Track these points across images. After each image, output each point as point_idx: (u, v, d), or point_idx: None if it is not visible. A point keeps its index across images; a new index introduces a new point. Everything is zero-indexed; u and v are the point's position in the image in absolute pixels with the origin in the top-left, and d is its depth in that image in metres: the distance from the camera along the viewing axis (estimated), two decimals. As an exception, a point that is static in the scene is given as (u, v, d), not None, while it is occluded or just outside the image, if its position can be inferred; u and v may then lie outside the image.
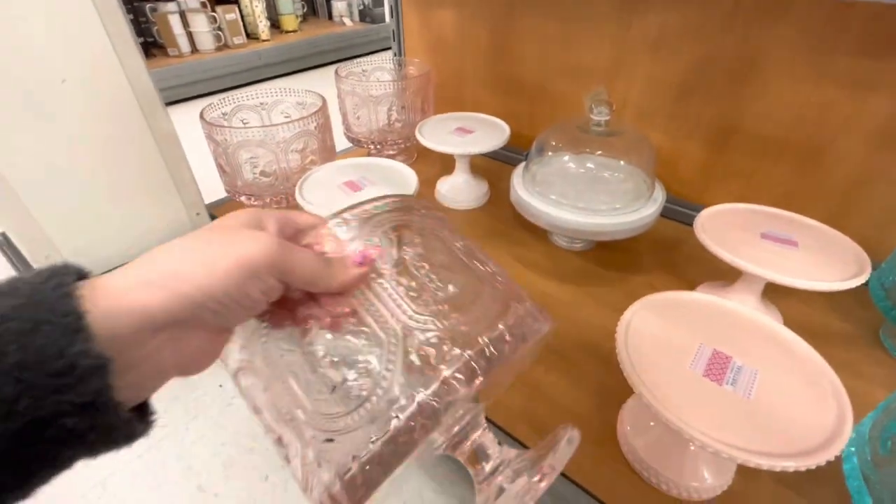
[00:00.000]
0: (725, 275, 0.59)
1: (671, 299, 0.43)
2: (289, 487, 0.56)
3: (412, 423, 0.19)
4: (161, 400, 0.67)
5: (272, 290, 0.20)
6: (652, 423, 0.43)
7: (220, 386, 0.69)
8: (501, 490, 0.25)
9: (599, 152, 0.64)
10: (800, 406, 0.33)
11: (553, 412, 0.48)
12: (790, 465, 0.29)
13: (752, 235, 0.53)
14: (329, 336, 0.22)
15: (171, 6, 1.79)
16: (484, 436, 0.27)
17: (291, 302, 0.22)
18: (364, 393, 0.20)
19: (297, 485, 0.21)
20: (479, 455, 0.27)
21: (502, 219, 0.78)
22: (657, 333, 0.39)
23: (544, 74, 0.86)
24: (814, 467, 0.29)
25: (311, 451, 0.21)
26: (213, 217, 0.75)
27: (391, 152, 0.96)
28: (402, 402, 0.20)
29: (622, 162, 0.64)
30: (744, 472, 0.41)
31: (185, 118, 0.69)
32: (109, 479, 0.58)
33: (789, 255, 0.50)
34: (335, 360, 0.22)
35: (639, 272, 0.67)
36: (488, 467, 0.26)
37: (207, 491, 0.56)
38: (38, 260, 0.56)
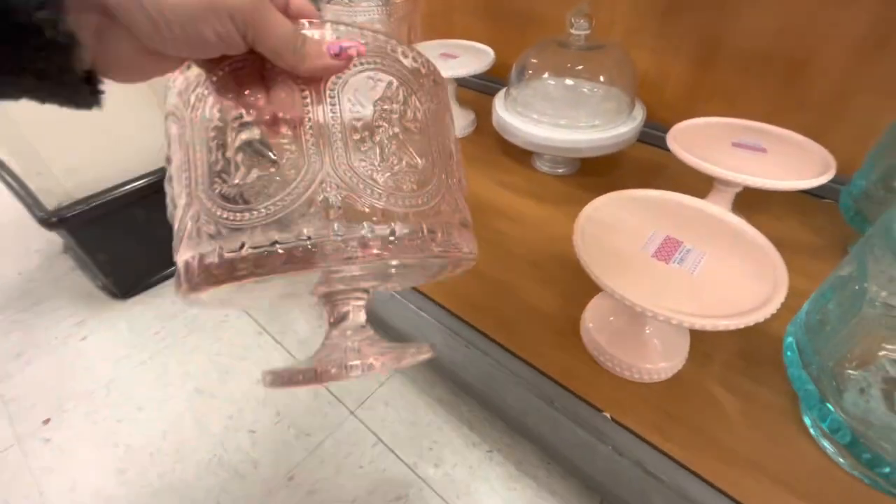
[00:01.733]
0: (702, 191, 0.60)
1: (633, 195, 0.44)
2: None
3: (280, 252, 0.20)
4: (161, 318, 0.71)
5: (229, 40, 0.18)
6: (612, 318, 0.45)
7: (215, 305, 0.72)
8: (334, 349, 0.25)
9: (580, 67, 0.63)
10: (741, 281, 0.35)
11: (520, 310, 0.50)
12: (722, 324, 0.31)
13: (723, 144, 0.53)
14: (257, 132, 0.21)
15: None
16: (356, 312, 0.27)
17: (246, 76, 0.21)
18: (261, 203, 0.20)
19: (174, 234, 0.23)
20: (340, 319, 0.27)
21: (487, 147, 0.79)
22: (614, 224, 0.41)
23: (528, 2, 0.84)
24: (747, 325, 0.32)
25: (194, 221, 0.21)
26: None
27: (379, 85, 0.95)
28: (288, 232, 0.20)
29: (602, 79, 0.63)
30: (694, 357, 0.44)
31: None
32: (113, 383, 0.62)
33: (758, 159, 0.50)
34: (251, 157, 0.21)
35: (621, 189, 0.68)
36: (337, 331, 0.26)
37: (205, 392, 0.61)
38: (30, 177, 0.58)
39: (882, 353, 0.29)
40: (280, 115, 0.20)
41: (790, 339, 0.38)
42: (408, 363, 0.25)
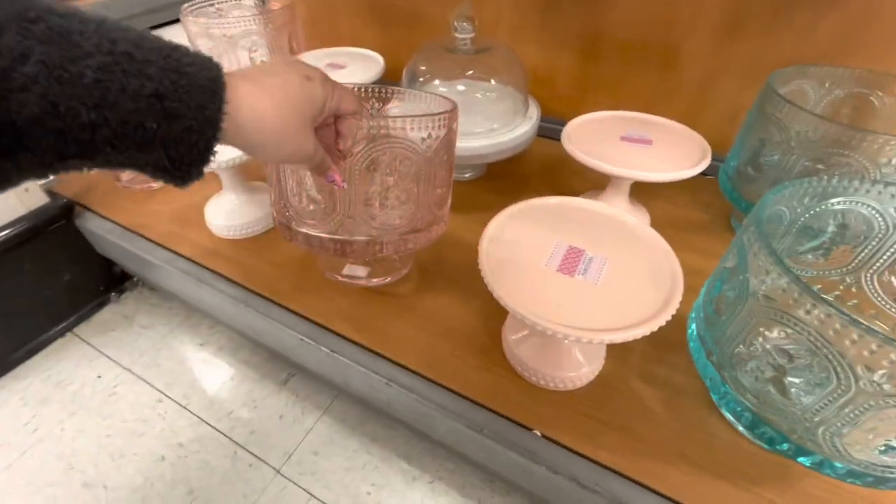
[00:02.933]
0: (601, 183, 0.62)
1: (532, 206, 0.44)
2: (188, 462, 0.53)
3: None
4: (30, 403, 0.60)
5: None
6: (527, 332, 0.44)
7: (99, 377, 0.62)
8: None
9: (470, 72, 0.62)
10: (643, 285, 0.36)
11: (439, 333, 0.48)
12: (618, 337, 0.31)
13: (613, 139, 0.55)
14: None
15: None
16: None
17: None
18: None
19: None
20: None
21: (390, 158, 0.75)
22: (517, 239, 0.40)
23: (413, 2, 0.81)
24: (644, 335, 0.32)
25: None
26: (50, 194, 0.65)
27: (267, 101, 0.88)
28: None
29: (493, 81, 0.63)
30: (612, 356, 0.45)
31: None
32: (-26, 498, 0.51)
33: (645, 152, 0.52)
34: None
35: (526, 193, 0.67)
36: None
37: (95, 485, 0.52)
38: None
39: (766, 342, 0.31)
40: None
41: (692, 327, 0.40)
42: None
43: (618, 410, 0.41)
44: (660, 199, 0.64)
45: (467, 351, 0.47)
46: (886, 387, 0.25)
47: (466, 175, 0.71)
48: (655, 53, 0.67)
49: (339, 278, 0.53)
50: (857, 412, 0.27)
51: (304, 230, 0.43)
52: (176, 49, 0.21)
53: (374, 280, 0.53)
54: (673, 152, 0.52)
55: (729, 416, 0.39)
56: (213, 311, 0.61)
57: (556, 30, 0.72)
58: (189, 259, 0.60)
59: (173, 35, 0.26)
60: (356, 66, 0.73)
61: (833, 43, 0.57)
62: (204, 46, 0.77)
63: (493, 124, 0.61)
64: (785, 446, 0.32)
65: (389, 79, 0.74)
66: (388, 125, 0.37)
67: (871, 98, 0.56)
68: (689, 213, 0.63)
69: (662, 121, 0.58)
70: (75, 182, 0.72)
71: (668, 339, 0.46)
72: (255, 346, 0.66)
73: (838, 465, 0.30)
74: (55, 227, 0.63)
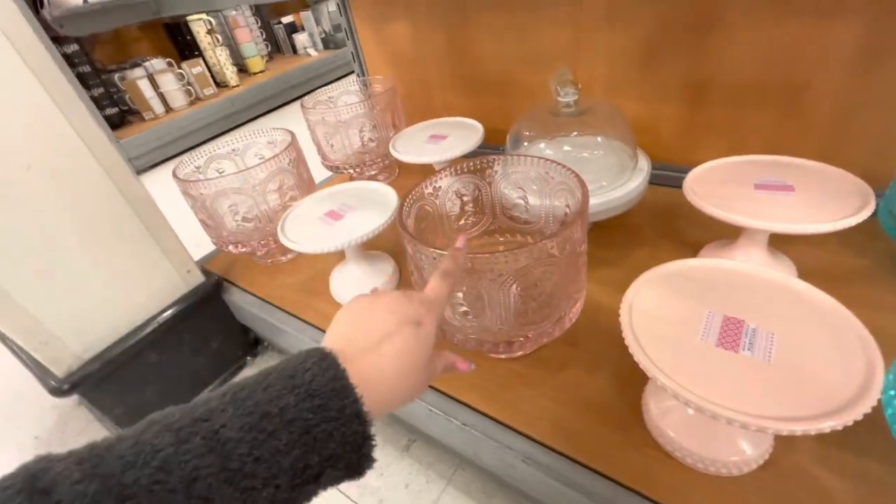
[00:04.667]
0: (727, 232, 0.57)
1: (671, 271, 0.41)
2: (324, 531, 0.55)
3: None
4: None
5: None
6: (675, 402, 0.41)
7: None
8: None
9: (575, 133, 0.62)
10: (825, 361, 0.31)
11: (577, 409, 0.46)
12: (825, 426, 0.27)
13: (745, 188, 0.51)
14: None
15: (139, 71, 1.81)
16: None
17: None
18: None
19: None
20: None
21: (493, 218, 0.77)
22: (662, 309, 0.38)
23: (507, 66, 0.85)
24: (851, 423, 0.28)
25: None
26: (205, 273, 0.75)
27: (372, 172, 0.96)
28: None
29: (599, 138, 0.62)
30: (783, 437, 0.39)
31: (169, 178, 0.70)
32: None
33: (787, 200, 0.48)
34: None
35: (641, 245, 0.65)
36: None
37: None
38: (36, 348, 0.56)
39: None
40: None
41: (893, 405, 0.34)
42: None
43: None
44: (802, 243, 0.57)
45: (606, 425, 0.44)
46: None
47: (572, 230, 0.70)
48: (775, 93, 0.63)
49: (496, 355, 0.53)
50: None
51: (459, 336, 0.46)
52: (292, 376, 0.22)
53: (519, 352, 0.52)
54: (822, 199, 0.47)
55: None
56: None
57: (657, 81, 0.71)
58: (315, 326, 0.65)
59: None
60: (457, 135, 0.78)
61: None
62: (321, 131, 0.87)
63: (601, 181, 0.61)
64: None
65: (489, 143, 0.78)
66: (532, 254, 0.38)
67: None
68: (841, 258, 0.56)
69: (803, 162, 0.53)
70: (223, 259, 0.83)
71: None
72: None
73: None
74: (208, 302, 0.73)
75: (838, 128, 0.61)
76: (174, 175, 0.67)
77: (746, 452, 0.37)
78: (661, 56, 0.69)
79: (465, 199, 0.57)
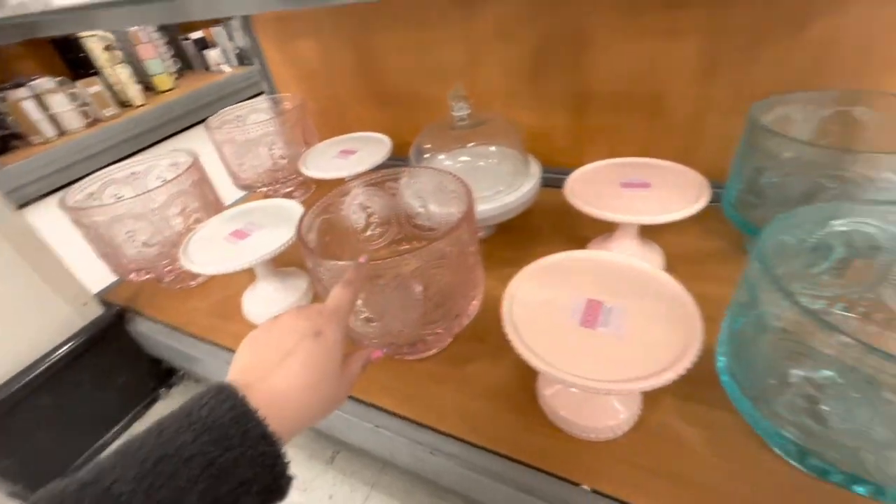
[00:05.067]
0: (610, 227, 0.64)
1: (548, 263, 0.46)
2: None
3: None
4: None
5: None
6: (560, 385, 0.46)
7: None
8: None
9: (471, 144, 0.67)
10: (665, 329, 0.37)
11: (478, 394, 0.49)
12: (647, 385, 0.32)
13: (614, 187, 0.58)
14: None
15: (22, 92, 1.65)
16: None
17: None
18: None
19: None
20: None
21: (407, 227, 0.80)
22: (539, 298, 0.42)
23: (412, 81, 0.89)
24: (682, 373, 0.33)
25: None
26: (105, 304, 0.71)
27: (288, 189, 0.95)
28: None
29: (493, 148, 0.67)
30: (648, 399, 0.45)
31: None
32: None
33: (645, 196, 0.55)
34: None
35: (539, 244, 0.71)
36: None
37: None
38: None
39: (793, 374, 0.32)
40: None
41: (722, 360, 0.40)
42: None
43: (662, 455, 0.41)
44: (670, 233, 0.65)
45: (508, 411, 0.48)
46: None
47: (480, 235, 0.75)
48: (643, 101, 0.72)
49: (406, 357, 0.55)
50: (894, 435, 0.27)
51: (365, 342, 0.48)
52: (188, 415, 0.23)
53: (425, 352, 0.55)
54: (672, 192, 0.54)
55: (777, 450, 0.39)
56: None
57: (545, 94, 0.78)
58: (229, 349, 0.64)
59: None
60: (366, 149, 0.80)
61: (806, 69, 0.61)
62: (229, 151, 0.85)
63: (498, 187, 0.66)
64: (838, 477, 0.32)
65: (397, 156, 0.81)
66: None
67: (855, 114, 0.58)
68: (701, 243, 0.65)
69: (658, 162, 0.61)
70: (125, 288, 0.78)
71: (703, 374, 0.46)
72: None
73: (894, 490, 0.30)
74: (110, 335, 0.68)
75: (692, 130, 0.71)
76: (62, 203, 0.63)
77: (620, 416, 0.43)
78: (548, 70, 0.76)
79: (369, 210, 0.60)
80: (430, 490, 0.57)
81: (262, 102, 0.98)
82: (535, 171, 0.69)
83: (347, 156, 0.79)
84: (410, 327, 0.46)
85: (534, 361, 0.35)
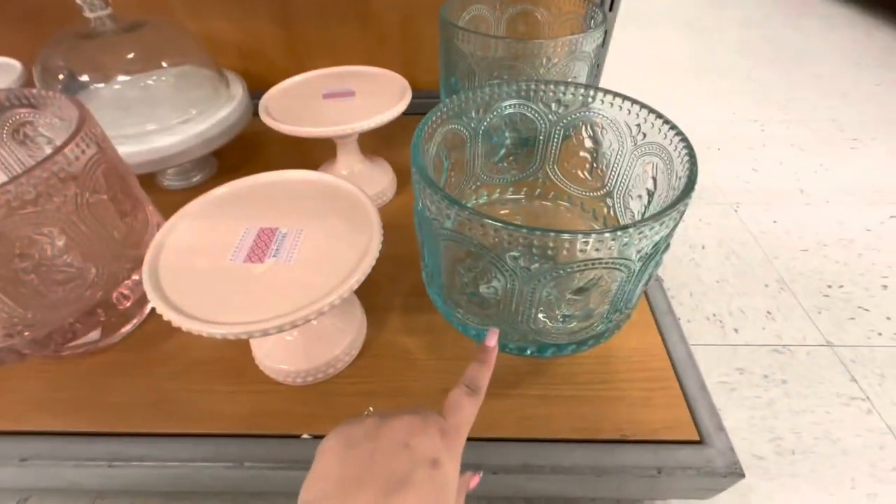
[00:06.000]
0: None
1: (219, 195, 0.37)
2: None
3: None
4: None
5: None
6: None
7: None
8: None
9: (131, 55, 0.50)
10: (344, 243, 0.33)
11: (182, 375, 0.40)
12: (313, 310, 0.28)
13: (315, 100, 0.51)
14: None
15: None
16: None
17: None
18: None
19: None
20: None
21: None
22: (196, 239, 0.33)
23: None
24: (353, 289, 0.29)
25: None
26: None
27: None
28: None
29: (165, 63, 0.52)
30: (373, 321, 0.43)
31: None
32: None
33: (349, 104, 0.50)
34: None
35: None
36: None
37: None
38: None
39: (457, 269, 0.31)
40: None
41: (423, 262, 0.39)
42: None
43: (388, 374, 0.40)
44: (400, 145, 0.63)
45: (218, 379, 0.40)
46: (525, 263, 0.26)
47: (195, 179, 0.61)
48: (347, 7, 0.65)
49: (65, 353, 0.40)
50: (528, 295, 0.28)
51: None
52: None
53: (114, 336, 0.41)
54: (377, 99, 0.50)
55: (472, 338, 0.40)
56: None
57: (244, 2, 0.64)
58: None
59: None
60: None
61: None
62: None
63: (190, 111, 0.52)
64: (511, 346, 0.34)
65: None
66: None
67: (536, 14, 0.62)
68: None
69: (363, 69, 0.56)
70: None
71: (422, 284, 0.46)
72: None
73: (545, 344, 0.32)
74: None
75: (406, 36, 0.67)
76: None
77: (337, 350, 0.39)
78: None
79: None
80: (161, 499, 0.47)
81: None
82: (237, 91, 0.57)
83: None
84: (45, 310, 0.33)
85: (170, 315, 0.27)
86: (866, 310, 0.58)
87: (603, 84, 0.65)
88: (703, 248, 0.67)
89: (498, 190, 0.46)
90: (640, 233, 0.24)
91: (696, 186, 0.27)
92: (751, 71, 1.12)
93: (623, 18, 0.64)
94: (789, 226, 0.70)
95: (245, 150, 0.64)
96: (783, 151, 0.86)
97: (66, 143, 0.31)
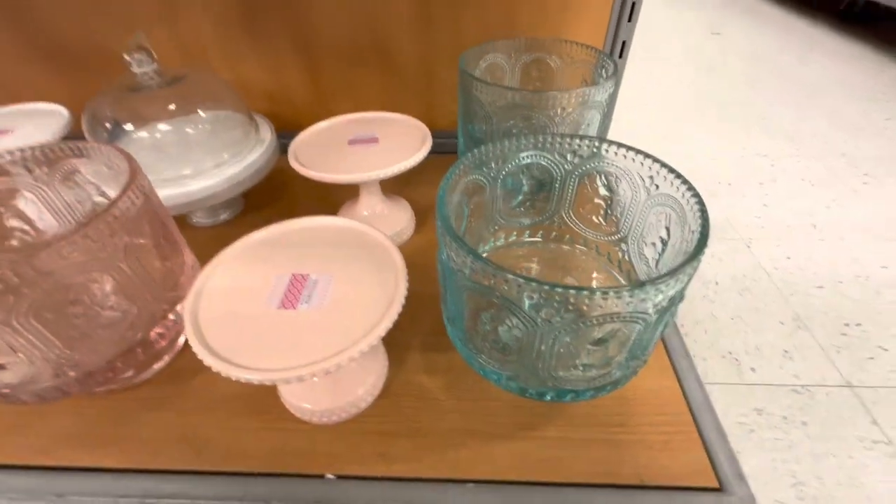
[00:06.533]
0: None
1: (254, 241, 0.39)
2: None
3: None
4: None
5: None
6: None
7: None
8: None
9: (172, 106, 0.54)
10: (371, 288, 0.35)
11: (211, 412, 0.41)
12: (345, 357, 0.29)
13: (341, 146, 0.53)
14: None
15: None
16: None
17: None
18: None
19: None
20: None
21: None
22: (236, 284, 0.35)
23: (88, 30, 0.68)
24: (382, 336, 0.31)
25: None
26: None
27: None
28: None
29: (202, 111, 0.56)
30: (394, 360, 0.44)
31: None
32: None
33: (373, 151, 0.52)
34: None
35: (293, 216, 0.64)
36: None
37: None
38: None
39: (480, 317, 0.33)
40: None
41: (445, 305, 0.41)
42: None
43: (407, 414, 0.41)
44: (419, 184, 0.66)
45: (244, 415, 0.41)
46: (547, 316, 0.27)
47: (223, 217, 0.64)
48: (371, 54, 0.69)
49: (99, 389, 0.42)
50: (548, 345, 0.29)
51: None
52: None
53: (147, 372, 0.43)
54: (399, 145, 0.53)
55: (493, 382, 0.42)
56: None
57: (270, 48, 0.69)
58: None
59: None
60: (28, 126, 0.59)
61: (501, 20, 0.65)
62: None
63: (222, 155, 0.55)
64: (531, 391, 0.35)
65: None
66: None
67: (549, 61, 0.65)
68: (448, 192, 0.67)
69: (385, 115, 0.59)
70: None
71: (442, 322, 0.47)
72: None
73: (564, 390, 0.33)
74: None
75: (426, 83, 0.71)
76: None
77: (359, 390, 0.40)
78: (265, 20, 0.66)
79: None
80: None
81: None
82: (266, 135, 0.60)
83: (1, 136, 0.57)
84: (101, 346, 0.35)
85: (209, 361, 0.29)
86: (885, 349, 0.57)
87: (614, 120, 0.68)
88: (717, 283, 0.67)
89: (515, 232, 0.48)
90: (656, 289, 0.26)
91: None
92: (759, 106, 1.15)
93: (632, 55, 0.67)
94: (803, 262, 0.70)
95: (271, 189, 0.67)
96: (794, 186, 0.87)
97: (119, 197, 0.33)
